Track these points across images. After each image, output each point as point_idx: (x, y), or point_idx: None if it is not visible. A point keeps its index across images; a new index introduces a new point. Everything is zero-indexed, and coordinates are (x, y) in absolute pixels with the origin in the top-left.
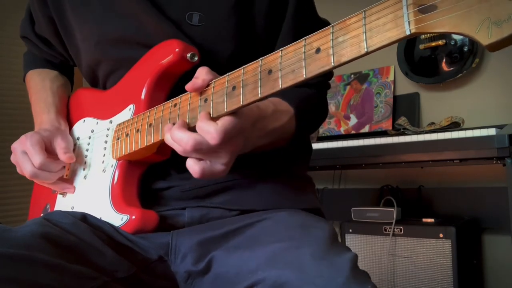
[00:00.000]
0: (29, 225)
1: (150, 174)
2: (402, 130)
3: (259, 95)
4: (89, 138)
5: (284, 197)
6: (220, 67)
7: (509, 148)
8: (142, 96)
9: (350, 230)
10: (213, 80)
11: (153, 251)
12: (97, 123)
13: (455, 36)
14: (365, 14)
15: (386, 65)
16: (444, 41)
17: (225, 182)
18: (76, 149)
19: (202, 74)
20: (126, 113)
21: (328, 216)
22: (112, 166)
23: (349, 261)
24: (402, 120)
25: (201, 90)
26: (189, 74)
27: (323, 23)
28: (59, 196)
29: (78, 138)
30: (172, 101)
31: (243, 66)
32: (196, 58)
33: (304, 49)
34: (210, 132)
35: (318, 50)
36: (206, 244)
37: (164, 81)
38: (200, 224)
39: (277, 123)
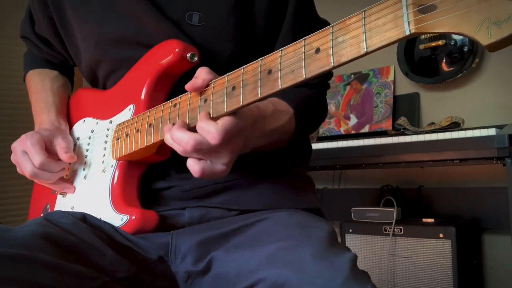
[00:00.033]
0: (29, 225)
1: (150, 174)
2: (402, 130)
3: (259, 95)
4: (89, 138)
5: (284, 197)
6: (220, 67)
7: (509, 148)
8: (142, 96)
9: (350, 230)
10: (213, 80)
11: (153, 251)
12: (97, 123)
13: (455, 36)
14: (364, 14)
15: (386, 65)
16: (444, 41)
17: (225, 182)
18: (76, 149)
19: (202, 74)
20: (126, 113)
21: (328, 216)
22: (112, 166)
23: (348, 261)
24: (402, 120)
25: (201, 90)
26: (189, 74)
27: (323, 23)
28: (59, 196)
29: (78, 138)
30: (172, 101)
31: (243, 66)
32: (196, 58)
33: (304, 49)
34: (210, 132)
35: (317, 50)
36: (206, 244)
37: (164, 81)
38: (200, 224)
39: (277, 123)
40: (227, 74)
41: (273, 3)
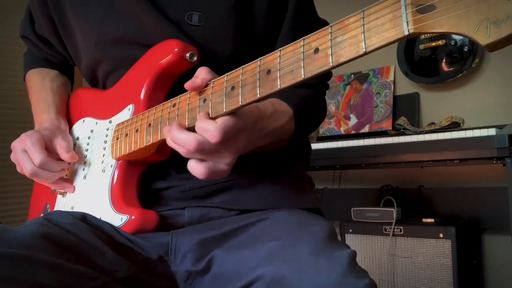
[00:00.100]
0: (29, 225)
1: (149, 174)
2: (402, 130)
3: (258, 95)
4: (89, 138)
5: (284, 197)
6: (220, 67)
7: (509, 148)
8: (141, 96)
9: (350, 230)
10: (212, 80)
11: (153, 251)
12: (96, 123)
13: (455, 36)
14: (363, 14)
15: (386, 65)
16: (444, 41)
17: (225, 182)
18: (75, 149)
19: (201, 73)
20: (126, 113)
21: (328, 216)
22: (111, 166)
23: (347, 256)
24: (402, 120)
25: (200, 90)
26: (189, 74)
27: (322, 24)
28: (59, 196)
29: (77, 138)
30: (171, 101)
31: (242, 66)
32: (195, 58)
33: (303, 49)
34: (210, 130)
35: (316, 50)
36: (206, 243)
37: (163, 81)
38: (200, 224)
39: (277, 123)
40: (226, 74)
41: (273, 3)
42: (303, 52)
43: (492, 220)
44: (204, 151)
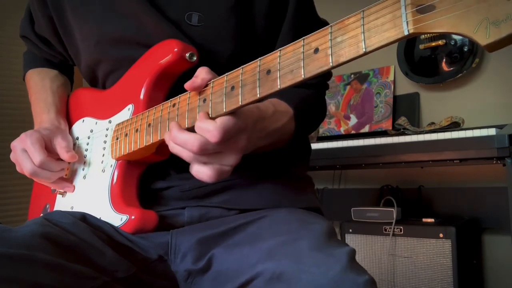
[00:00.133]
0: (29, 225)
1: (149, 174)
2: (402, 130)
3: (258, 95)
4: (88, 138)
5: (283, 197)
6: (220, 67)
7: (509, 148)
8: (141, 96)
9: (350, 230)
10: (212, 80)
11: (153, 250)
12: (96, 123)
13: (455, 36)
14: (363, 14)
15: (386, 65)
16: (444, 41)
17: (225, 182)
18: (75, 149)
19: (201, 73)
20: (125, 113)
21: (328, 216)
22: (111, 166)
23: (346, 253)
24: (402, 120)
25: (200, 90)
26: (188, 74)
27: (323, 24)
28: (58, 196)
29: (77, 138)
30: (171, 101)
31: (241, 66)
32: (195, 58)
33: (303, 49)
34: (209, 130)
35: (316, 50)
36: (206, 242)
37: (163, 81)
38: (199, 223)
39: (277, 124)
40: (226, 74)
41: (273, 3)
42: (303, 52)
43: (492, 220)
44: (207, 151)
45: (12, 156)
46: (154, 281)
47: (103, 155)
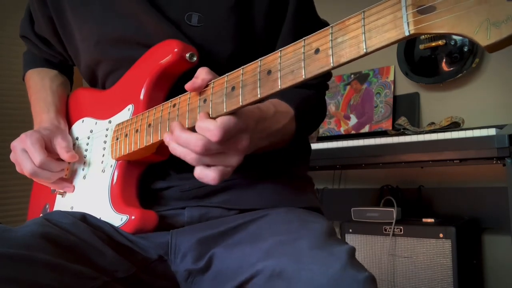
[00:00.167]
0: (29, 225)
1: (149, 174)
2: (402, 130)
3: (258, 96)
4: (88, 138)
5: (283, 197)
6: (220, 68)
7: (509, 148)
8: (141, 96)
9: (350, 230)
10: (212, 81)
11: (153, 250)
12: (96, 123)
13: (455, 36)
14: (364, 15)
15: (386, 65)
16: (444, 41)
17: (225, 182)
18: (75, 149)
19: (202, 74)
20: (125, 113)
21: (328, 216)
22: (111, 166)
23: (346, 251)
24: (402, 120)
25: (200, 90)
26: (188, 74)
27: (323, 24)
28: (58, 196)
29: (77, 138)
30: (171, 101)
31: (242, 67)
32: (195, 58)
33: (303, 50)
34: (210, 129)
35: (317, 51)
36: (206, 242)
37: (163, 81)
38: (199, 223)
39: (278, 124)
40: (227, 74)
41: (273, 3)
42: (304, 52)
43: (492, 220)
44: (211, 151)
45: (12, 156)
46: (154, 281)
47: (103, 155)
